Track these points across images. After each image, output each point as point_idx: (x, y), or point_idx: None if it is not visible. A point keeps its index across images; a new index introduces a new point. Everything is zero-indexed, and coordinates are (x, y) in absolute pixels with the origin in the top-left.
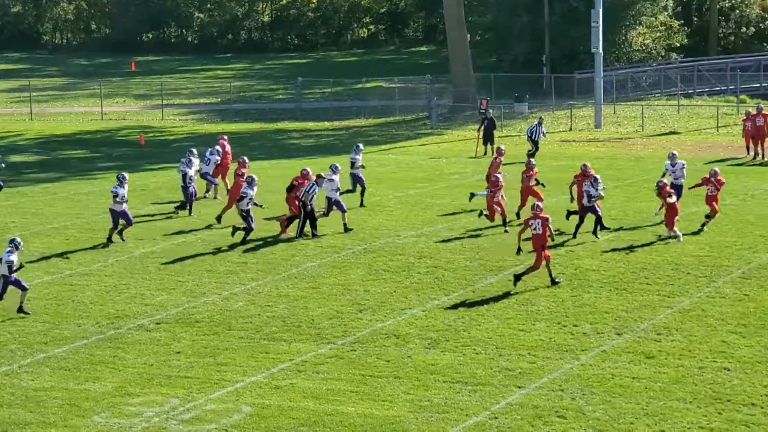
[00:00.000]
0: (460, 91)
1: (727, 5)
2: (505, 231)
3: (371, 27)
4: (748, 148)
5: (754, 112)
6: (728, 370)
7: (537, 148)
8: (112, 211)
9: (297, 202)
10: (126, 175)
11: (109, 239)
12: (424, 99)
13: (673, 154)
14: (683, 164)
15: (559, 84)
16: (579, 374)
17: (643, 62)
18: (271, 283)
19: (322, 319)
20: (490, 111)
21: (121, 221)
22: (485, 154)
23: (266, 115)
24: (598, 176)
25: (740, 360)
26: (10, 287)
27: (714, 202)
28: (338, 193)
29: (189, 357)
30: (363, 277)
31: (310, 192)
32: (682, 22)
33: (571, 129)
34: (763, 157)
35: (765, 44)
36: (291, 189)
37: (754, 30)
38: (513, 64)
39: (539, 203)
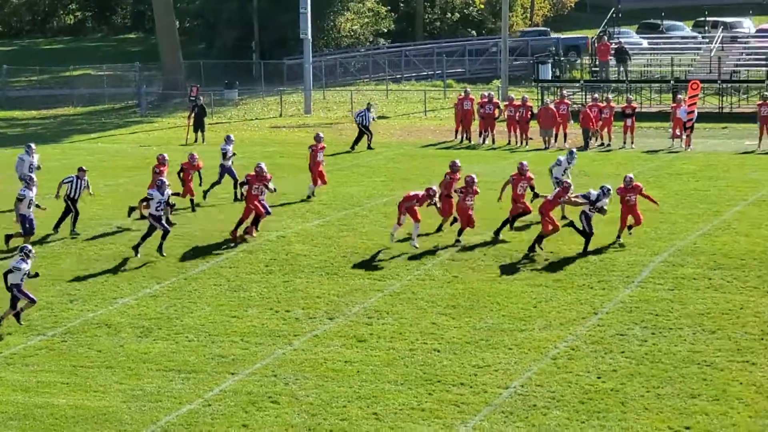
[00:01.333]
0: (170, 79)
1: None
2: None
3: (78, 14)
4: (457, 131)
5: (462, 95)
6: (438, 351)
7: (371, 134)
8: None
9: (255, 203)
10: (34, 177)
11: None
12: (134, 87)
13: (572, 152)
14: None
15: (269, 70)
16: (292, 359)
17: (352, 48)
18: None
19: (32, 310)
20: (201, 98)
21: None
22: (195, 141)
23: None
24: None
25: (450, 341)
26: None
27: (635, 210)
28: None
29: None
30: (73, 267)
31: (75, 187)
32: (390, 8)
33: (281, 115)
34: (470, 140)
35: (469, 29)
36: (244, 185)
37: (459, 16)
38: (222, 50)
39: (569, 181)
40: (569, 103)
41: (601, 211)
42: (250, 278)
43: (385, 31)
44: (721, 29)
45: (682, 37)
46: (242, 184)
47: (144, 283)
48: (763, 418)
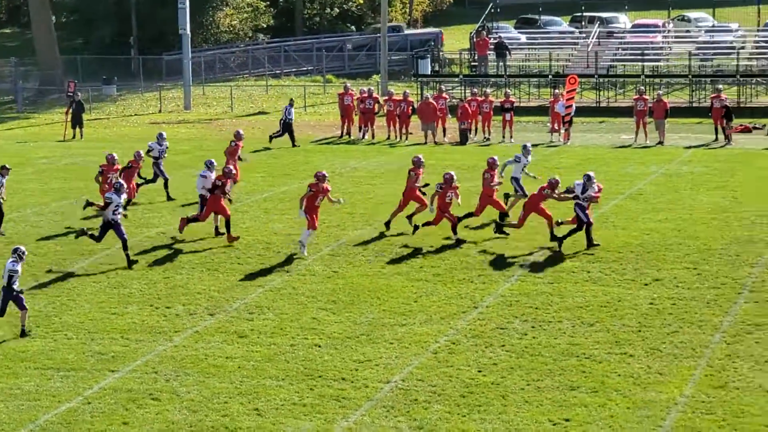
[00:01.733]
0: (47, 74)
1: None
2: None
3: None
4: (342, 127)
5: (342, 91)
6: (319, 346)
7: (282, 132)
8: None
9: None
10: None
11: None
12: (10, 82)
13: (526, 146)
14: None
15: (148, 66)
16: (172, 356)
17: (231, 43)
18: None
19: None
20: (78, 94)
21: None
22: (74, 137)
23: None
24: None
25: (330, 336)
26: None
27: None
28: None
29: None
30: None
31: None
32: (269, 3)
33: (160, 111)
34: (350, 135)
35: (349, 25)
36: (217, 188)
37: (338, 11)
38: (100, 46)
39: (557, 177)
40: (447, 97)
41: (592, 199)
42: (129, 275)
43: (265, 26)
44: (597, 24)
45: (560, 32)
46: (220, 188)
47: (22, 280)
48: (641, 409)
